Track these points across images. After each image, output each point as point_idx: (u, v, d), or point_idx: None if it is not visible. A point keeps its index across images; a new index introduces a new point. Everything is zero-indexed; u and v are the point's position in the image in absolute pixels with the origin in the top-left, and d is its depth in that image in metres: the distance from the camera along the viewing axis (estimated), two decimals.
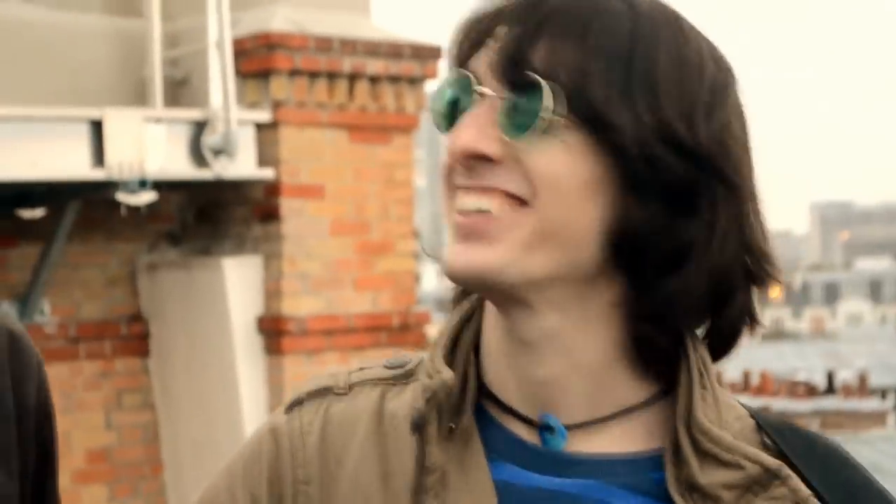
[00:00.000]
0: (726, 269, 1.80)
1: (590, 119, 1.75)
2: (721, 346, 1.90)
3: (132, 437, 8.75)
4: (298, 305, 8.63)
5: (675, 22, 1.83)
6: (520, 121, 1.76)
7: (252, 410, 8.37)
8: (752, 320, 1.88)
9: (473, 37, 1.84)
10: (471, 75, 1.80)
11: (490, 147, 1.75)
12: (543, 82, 1.73)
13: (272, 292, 8.62)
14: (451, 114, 1.82)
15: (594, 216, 1.77)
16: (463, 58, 1.85)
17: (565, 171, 1.76)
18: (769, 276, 1.84)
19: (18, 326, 2.37)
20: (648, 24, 1.82)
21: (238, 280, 8.55)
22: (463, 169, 1.79)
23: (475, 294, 1.93)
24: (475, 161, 1.76)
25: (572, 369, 1.86)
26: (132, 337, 8.83)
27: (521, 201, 1.75)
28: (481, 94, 1.77)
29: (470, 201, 1.77)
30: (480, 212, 1.76)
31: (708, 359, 1.87)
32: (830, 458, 1.90)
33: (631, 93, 1.77)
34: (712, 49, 1.86)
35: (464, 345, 1.92)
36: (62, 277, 8.45)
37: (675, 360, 1.86)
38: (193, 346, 8.74)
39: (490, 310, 1.91)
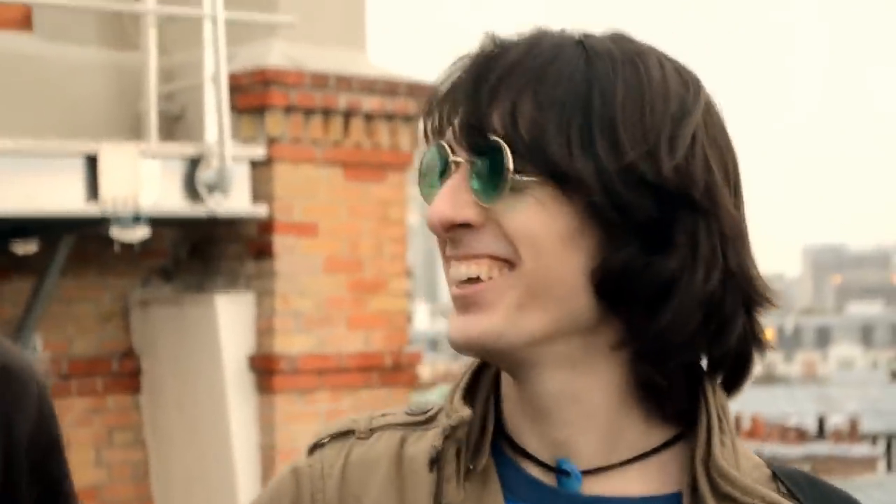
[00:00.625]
0: (716, 297, 1.80)
1: (552, 173, 1.76)
2: (734, 375, 1.90)
3: (122, 474, 8.75)
4: (290, 343, 8.64)
5: (635, 55, 1.82)
6: (489, 184, 1.76)
7: (243, 448, 8.37)
8: (759, 343, 1.88)
9: (445, 106, 1.84)
10: (445, 145, 1.79)
11: (467, 214, 1.76)
12: (502, 143, 1.74)
13: (264, 330, 8.63)
14: (428, 181, 1.84)
15: (579, 266, 1.77)
16: (440, 129, 1.84)
17: (541, 228, 1.77)
18: (763, 299, 1.85)
19: (16, 359, 2.35)
20: (605, 63, 1.81)
21: (230, 317, 8.57)
22: (449, 240, 1.79)
23: None
24: (457, 231, 1.76)
25: (585, 419, 1.86)
26: (124, 373, 8.84)
27: (508, 263, 1.76)
28: (456, 164, 1.78)
29: (462, 270, 1.78)
30: (471, 280, 1.77)
31: (727, 404, 1.88)
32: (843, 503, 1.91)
33: (591, 139, 1.77)
34: (679, 75, 1.84)
35: (483, 386, 1.93)
36: (55, 312, 8.45)
37: (692, 404, 1.87)
38: (185, 383, 8.74)
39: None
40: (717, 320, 1.82)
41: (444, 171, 1.80)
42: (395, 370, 8.94)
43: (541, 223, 1.76)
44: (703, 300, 1.80)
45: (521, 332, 1.78)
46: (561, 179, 1.75)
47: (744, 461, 1.87)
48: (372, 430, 1.98)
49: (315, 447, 2.00)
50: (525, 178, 1.73)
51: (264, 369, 8.59)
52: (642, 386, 1.85)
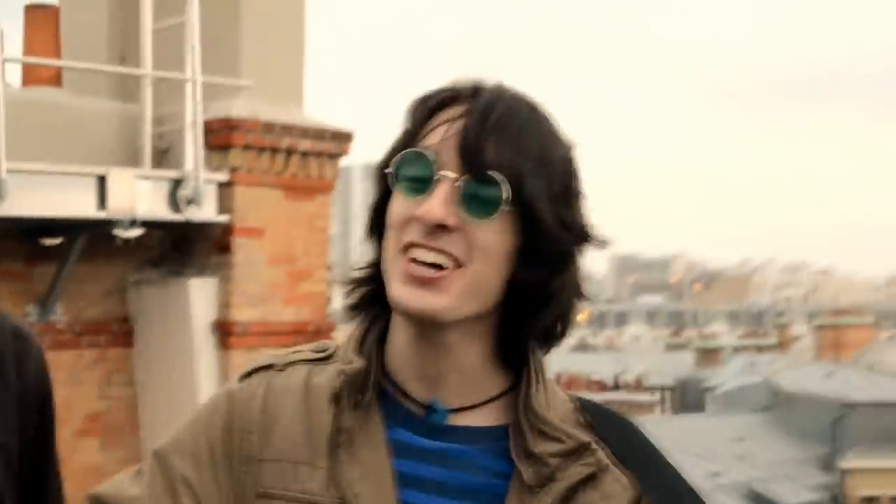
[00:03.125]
0: (566, 311, 1.86)
1: (526, 209, 1.76)
2: (557, 341, 1.92)
3: (119, 405, 8.65)
4: (243, 314, 8.59)
5: (556, 125, 1.85)
6: (478, 206, 1.75)
7: (206, 389, 8.31)
8: (572, 325, 1.92)
9: (434, 118, 1.82)
10: (434, 157, 1.77)
11: (451, 220, 1.73)
12: (502, 180, 1.74)
13: (224, 304, 8.58)
14: (418, 179, 1.78)
15: (503, 275, 1.79)
16: (422, 134, 1.82)
17: (496, 244, 1.77)
18: (584, 299, 1.91)
19: (23, 325, 2.29)
20: (549, 129, 1.84)
21: (199, 294, 8.51)
22: (423, 231, 1.76)
23: (372, 305, 1.94)
24: (436, 228, 1.74)
25: (455, 369, 1.88)
26: (121, 333, 8.74)
27: (458, 262, 1.75)
28: (445, 178, 1.75)
29: (428, 256, 1.75)
30: (433, 265, 1.75)
31: (543, 362, 1.91)
32: (624, 428, 1.95)
33: (551, 188, 1.78)
34: (570, 143, 1.86)
35: (369, 341, 1.91)
36: (71, 289, 8.35)
37: (522, 363, 1.90)
38: (166, 341, 8.66)
39: (398, 322, 1.89)
40: (562, 318, 1.88)
41: (430, 175, 1.77)
42: (317, 334, 8.91)
43: (497, 240, 1.77)
44: (559, 315, 1.87)
45: (457, 314, 1.79)
46: (530, 215, 1.77)
47: (554, 400, 1.90)
48: (286, 365, 1.97)
49: (244, 376, 1.98)
50: (508, 209, 1.75)
51: (223, 332, 8.54)
52: (499, 354, 1.89)
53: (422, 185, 1.77)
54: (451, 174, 1.75)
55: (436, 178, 1.76)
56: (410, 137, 1.83)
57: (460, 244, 1.76)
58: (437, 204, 1.74)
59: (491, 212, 1.74)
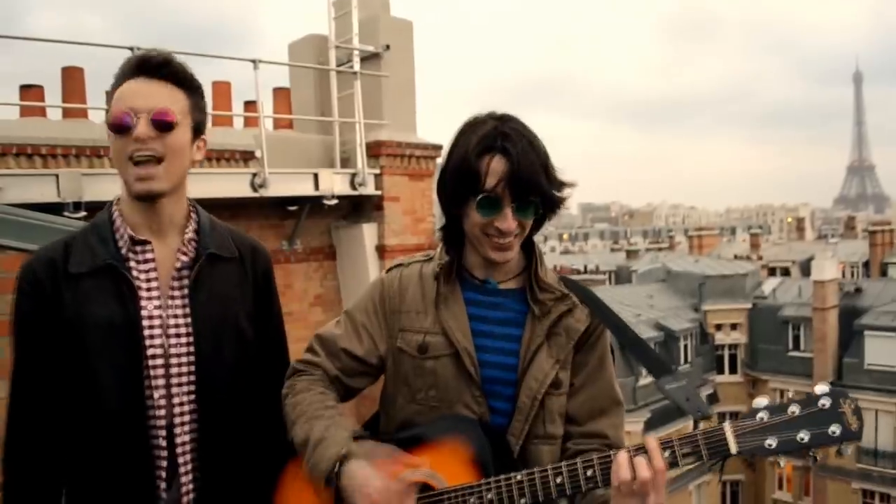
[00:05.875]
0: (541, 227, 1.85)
1: (545, 199, 1.77)
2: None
3: (330, 290, 8.68)
4: (390, 240, 8.56)
5: (540, 139, 1.77)
6: (524, 215, 1.77)
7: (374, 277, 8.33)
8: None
9: (482, 159, 1.76)
10: (501, 196, 1.74)
11: (514, 226, 1.76)
12: (536, 200, 1.75)
13: (380, 236, 8.55)
14: (491, 208, 1.75)
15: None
16: (482, 177, 1.75)
17: (528, 225, 1.80)
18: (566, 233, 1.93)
19: (259, 243, 2.06)
20: (540, 144, 1.78)
21: (368, 232, 8.49)
22: (502, 231, 1.75)
23: (450, 233, 1.89)
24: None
25: (504, 268, 1.88)
26: (330, 253, 8.73)
27: (517, 236, 1.79)
28: (506, 204, 1.74)
29: (506, 240, 1.77)
30: (509, 242, 1.78)
31: (542, 254, 1.90)
32: (582, 287, 1.92)
33: (549, 179, 1.77)
34: (545, 147, 1.80)
35: (452, 251, 1.91)
36: (304, 231, 8.36)
37: (530, 251, 1.87)
38: (352, 256, 8.67)
39: (473, 254, 1.88)
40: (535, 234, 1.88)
41: (500, 206, 1.75)
42: (429, 248, 8.90)
43: (529, 224, 1.80)
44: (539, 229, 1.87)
45: (514, 255, 1.81)
46: (548, 210, 1.80)
47: (550, 274, 1.90)
48: (410, 263, 1.97)
49: (388, 270, 2.00)
50: (540, 212, 1.79)
51: (381, 250, 8.52)
52: (525, 251, 1.88)
53: (494, 210, 1.74)
54: (511, 204, 1.74)
55: (504, 207, 1.74)
56: (475, 176, 1.71)
57: (518, 229, 1.78)
58: (510, 220, 1.75)
59: (532, 216, 1.78)
